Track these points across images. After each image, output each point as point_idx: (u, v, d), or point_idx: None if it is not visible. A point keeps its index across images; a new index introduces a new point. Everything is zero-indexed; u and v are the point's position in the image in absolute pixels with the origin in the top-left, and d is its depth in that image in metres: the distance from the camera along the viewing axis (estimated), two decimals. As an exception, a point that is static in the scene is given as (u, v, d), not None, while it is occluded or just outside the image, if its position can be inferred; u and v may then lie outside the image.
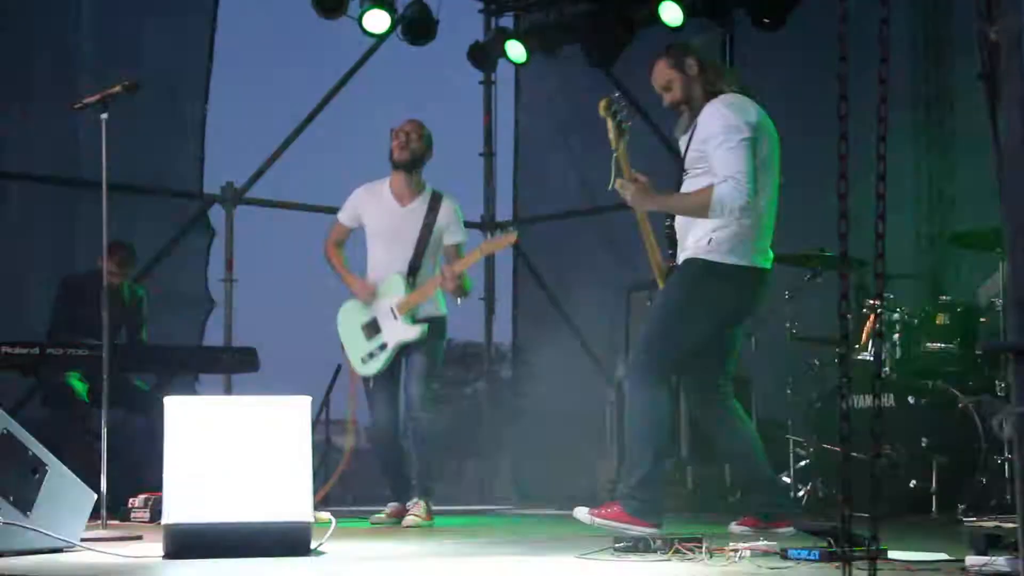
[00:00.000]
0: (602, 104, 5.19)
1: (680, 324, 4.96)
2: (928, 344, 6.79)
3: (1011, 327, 2.08)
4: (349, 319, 6.69)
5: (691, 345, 5.00)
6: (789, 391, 7.31)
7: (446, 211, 6.58)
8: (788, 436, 7.18)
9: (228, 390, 8.75)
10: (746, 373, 7.82)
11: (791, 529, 4.92)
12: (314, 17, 9.67)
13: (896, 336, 6.80)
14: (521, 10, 10.93)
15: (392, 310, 6.50)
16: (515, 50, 10.33)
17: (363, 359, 6.61)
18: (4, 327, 7.66)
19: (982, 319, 6.71)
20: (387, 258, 6.57)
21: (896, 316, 6.81)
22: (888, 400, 6.58)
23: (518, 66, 10.87)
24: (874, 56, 2.72)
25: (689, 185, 4.98)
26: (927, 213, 8.72)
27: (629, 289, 8.95)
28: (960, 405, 6.52)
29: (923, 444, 6.41)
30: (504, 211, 11.46)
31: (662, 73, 5.17)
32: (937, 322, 6.81)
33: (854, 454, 5.62)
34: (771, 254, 5.04)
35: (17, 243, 8.62)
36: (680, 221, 5.06)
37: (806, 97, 8.99)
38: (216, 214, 9.66)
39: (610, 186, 5.09)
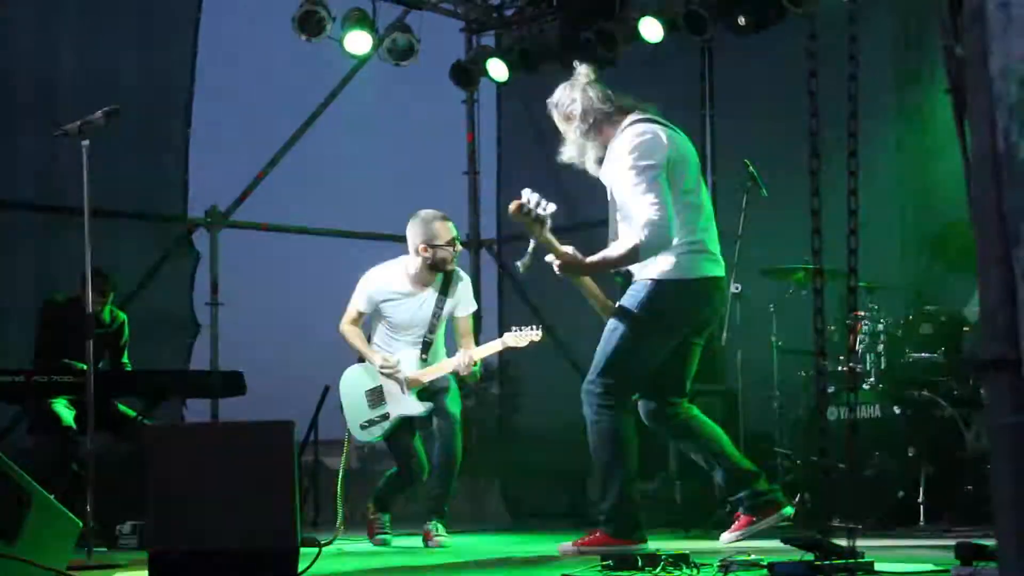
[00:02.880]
0: (512, 210, 5.25)
1: (634, 345, 5.00)
2: (913, 354, 6.80)
3: (984, 339, 2.09)
4: (353, 383, 6.81)
5: (647, 365, 5.03)
6: (775, 404, 7.32)
7: (457, 289, 6.77)
8: (775, 449, 7.19)
9: (215, 414, 8.74)
10: (732, 387, 7.84)
11: (780, 515, 4.96)
12: (296, 39, 9.68)
13: (881, 346, 6.82)
14: (502, 29, 10.97)
15: (401, 383, 6.63)
16: (497, 69, 10.35)
17: (363, 425, 6.74)
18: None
19: (965, 328, 6.73)
20: (398, 334, 6.73)
21: (880, 326, 6.83)
22: (874, 410, 6.59)
23: (500, 84, 10.89)
24: (844, 62, 2.75)
25: (621, 227, 5.05)
26: (912, 223, 8.74)
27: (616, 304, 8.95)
28: (946, 415, 6.53)
29: (910, 454, 6.42)
30: (489, 229, 11.48)
31: (562, 127, 5.27)
32: (921, 332, 6.83)
33: (840, 466, 5.66)
34: (722, 261, 5.09)
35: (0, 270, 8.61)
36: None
37: (784, 111, 9.04)
38: (201, 238, 9.67)
39: (522, 268, 5.18)
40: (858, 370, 6.78)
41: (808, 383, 7.23)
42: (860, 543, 3.36)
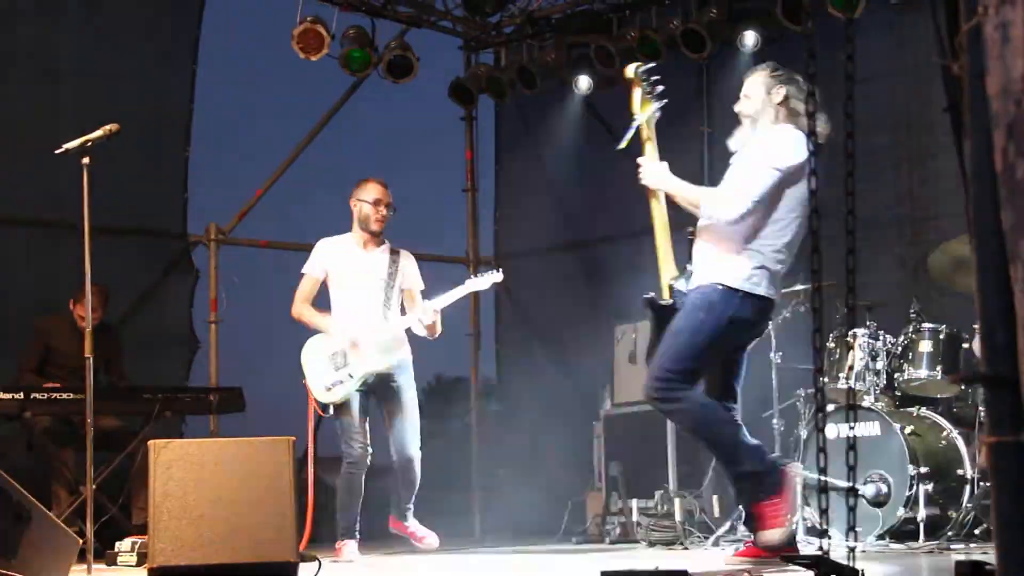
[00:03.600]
0: (629, 68, 5.40)
1: (703, 344, 5.04)
2: (912, 371, 6.80)
3: (982, 356, 2.10)
4: (315, 348, 6.87)
5: (710, 366, 5.09)
6: (775, 421, 7.31)
7: (407, 261, 6.96)
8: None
9: (215, 431, 8.73)
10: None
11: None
12: (295, 56, 9.70)
13: (880, 364, 6.82)
14: (501, 46, 11.00)
15: (370, 340, 6.70)
16: (496, 86, 10.38)
17: (327, 387, 6.77)
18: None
19: (964, 345, 6.73)
20: (354, 296, 6.85)
21: (880, 344, 6.83)
22: (873, 428, 6.58)
23: (499, 102, 10.93)
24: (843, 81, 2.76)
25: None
26: (911, 240, 8.75)
27: (613, 322, 8.97)
28: (946, 433, 6.53)
29: (909, 472, 6.41)
30: (488, 246, 11.49)
31: (753, 83, 5.28)
32: (921, 349, 6.82)
33: (840, 483, 5.64)
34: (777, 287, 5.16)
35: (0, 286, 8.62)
36: (700, 241, 5.19)
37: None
38: (200, 255, 9.68)
39: (620, 146, 5.17)
40: (857, 388, 6.77)
41: (807, 400, 7.23)
42: (860, 561, 3.35)
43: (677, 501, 7.84)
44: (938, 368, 6.75)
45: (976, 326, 6.56)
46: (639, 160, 5.23)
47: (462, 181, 11.55)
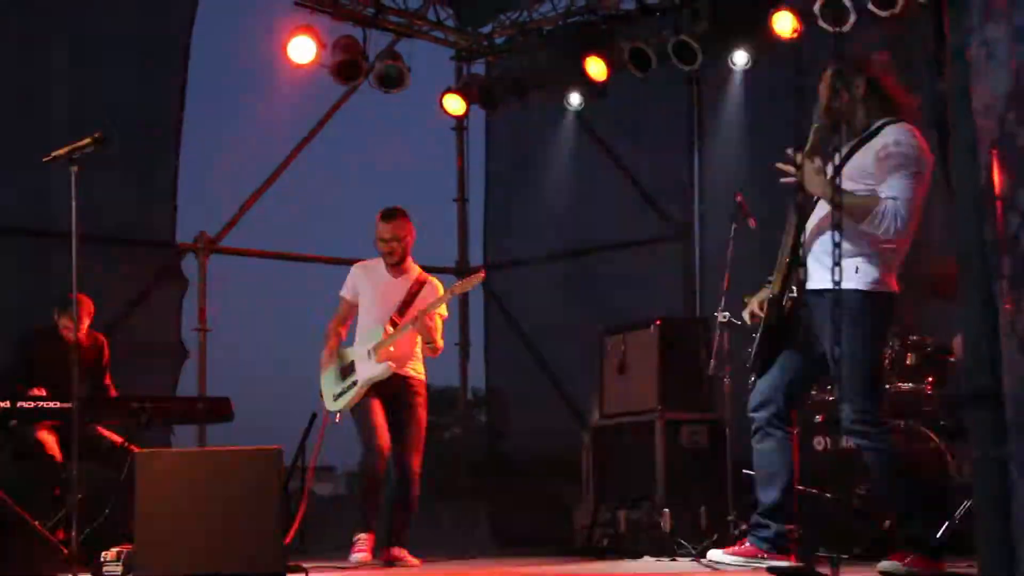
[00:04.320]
0: (828, 73, 4.89)
1: (872, 359, 4.99)
2: (899, 383, 6.81)
3: (968, 372, 2.11)
4: (329, 369, 7.13)
5: (882, 377, 5.08)
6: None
7: (431, 288, 7.09)
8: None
9: (202, 440, 8.72)
10: (720, 416, 7.85)
11: (790, 565, 4.97)
12: (287, 65, 9.71)
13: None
14: (492, 56, 11.02)
15: (369, 352, 6.92)
16: (487, 96, 10.40)
17: (335, 396, 7.03)
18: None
19: (951, 358, 6.75)
20: (373, 317, 7.05)
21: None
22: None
23: (490, 112, 10.95)
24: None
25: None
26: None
27: (602, 332, 8.96)
28: (931, 445, 6.54)
29: (894, 484, 6.40)
30: (478, 256, 11.50)
31: (827, 86, 5.18)
32: (907, 362, 6.83)
33: (827, 495, 5.66)
34: None
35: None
36: (816, 245, 5.01)
37: (771, 142, 9.07)
38: (189, 264, 9.67)
39: (792, 152, 4.99)
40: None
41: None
42: (845, 573, 3.36)
43: (665, 511, 7.84)
44: (925, 380, 6.76)
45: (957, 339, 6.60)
46: (799, 158, 4.78)
47: (452, 191, 11.57)
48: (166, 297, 9.52)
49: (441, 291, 7.07)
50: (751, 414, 5.36)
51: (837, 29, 7.46)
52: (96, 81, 9.13)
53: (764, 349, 5.27)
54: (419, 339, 7.04)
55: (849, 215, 4.86)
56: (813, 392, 6.87)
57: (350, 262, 7.23)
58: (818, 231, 5.00)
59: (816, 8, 8.13)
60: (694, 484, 7.79)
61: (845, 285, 4.86)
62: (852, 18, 8.11)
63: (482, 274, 7.18)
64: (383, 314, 7.01)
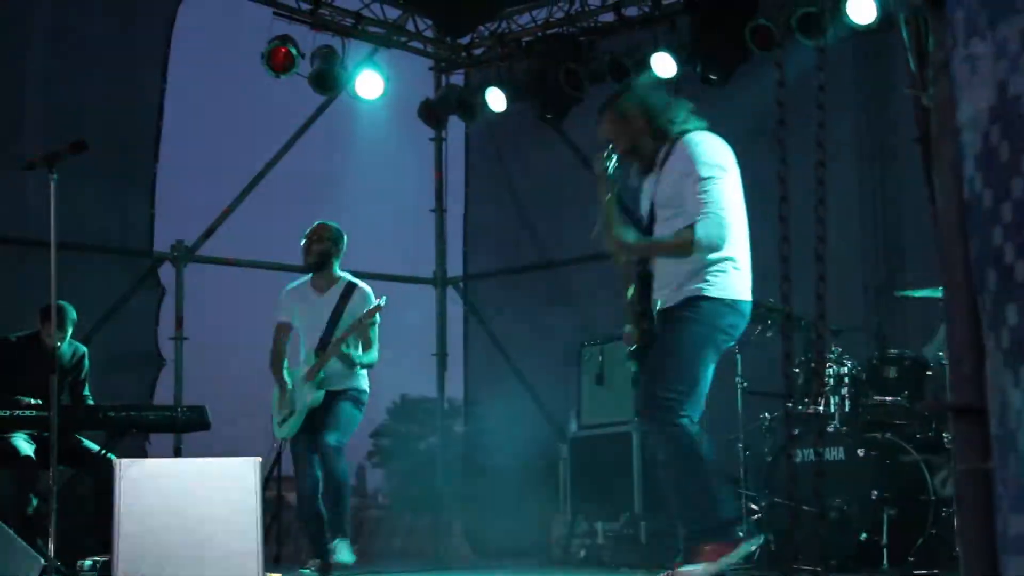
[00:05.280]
0: (598, 161, 5.08)
1: (692, 360, 4.91)
2: (876, 397, 6.84)
3: (951, 385, 2.12)
4: (275, 392, 7.20)
5: (701, 380, 4.96)
6: (740, 445, 7.34)
7: (357, 298, 7.09)
8: (740, 491, 7.20)
9: (178, 449, 8.68)
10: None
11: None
12: (265, 75, 9.69)
13: (844, 389, 6.85)
14: (471, 67, 11.03)
15: (302, 378, 7.02)
16: (466, 107, 10.41)
17: (278, 423, 7.11)
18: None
19: (928, 372, 6.78)
20: (308, 343, 7.13)
21: (844, 369, 6.87)
22: (837, 453, 6.61)
23: (469, 123, 10.95)
24: (812, 108, 2.79)
25: (663, 227, 5.01)
26: (873, 265, 8.82)
27: (580, 344, 8.98)
28: (909, 458, 6.57)
29: (873, 497, 6.44)
30: (456, 267, 11.50)
31: (608, 127, 5.17)
32: (885, 375, 6.86)
33: (804, 508, 5.67)
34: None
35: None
36: (662, 263, 5.06)
37: (748, 154, 9.10)
38: (166, 272, 9.63)
39: (592, 234, 5.09)
40: (822, 412, 6.81)
41: (773, 424, 7.26)
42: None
43: (643, 524, 7.85)
44: (903, 394, 6.79)
45: (931, 348, 6.65)
46: (604, 232, 5.03)
47: (431, 202, 11.56)
48: (143, 305, 9.48)
49: (367, 295, 7.08)
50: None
51: (817, 42, 7.50)
52: (74, 88, 9.10)
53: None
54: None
55: (674, 256, 4.94)
56: (790, 405, 6.91)
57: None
58: (659, 263, 5.06)
59: (794, 21, 8.19)
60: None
61: (690, 294, 4.91)
62: (830, 31, 8.18)
63: (382, 304, 7.01)
64: (313, 338, 7.08)
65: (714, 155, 4.95)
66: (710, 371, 5.00)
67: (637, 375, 5.12)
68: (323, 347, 6.98)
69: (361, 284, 7.19)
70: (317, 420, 6.93)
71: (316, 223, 7.21)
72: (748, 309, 5.04)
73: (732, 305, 4.96)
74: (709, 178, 4.88)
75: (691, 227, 4.84)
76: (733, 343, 5.18)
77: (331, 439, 6.83)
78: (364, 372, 7.11)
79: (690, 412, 4.85)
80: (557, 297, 10.57)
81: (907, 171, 8.58)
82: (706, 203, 4.85)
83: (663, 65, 9.18)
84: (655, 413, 4.87)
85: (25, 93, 8.97)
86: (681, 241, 4.90)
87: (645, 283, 5.13)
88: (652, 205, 5.09)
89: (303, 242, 7.17)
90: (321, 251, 7.13)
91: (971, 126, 2.04)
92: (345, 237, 7.23)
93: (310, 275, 7.24)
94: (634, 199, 5.29)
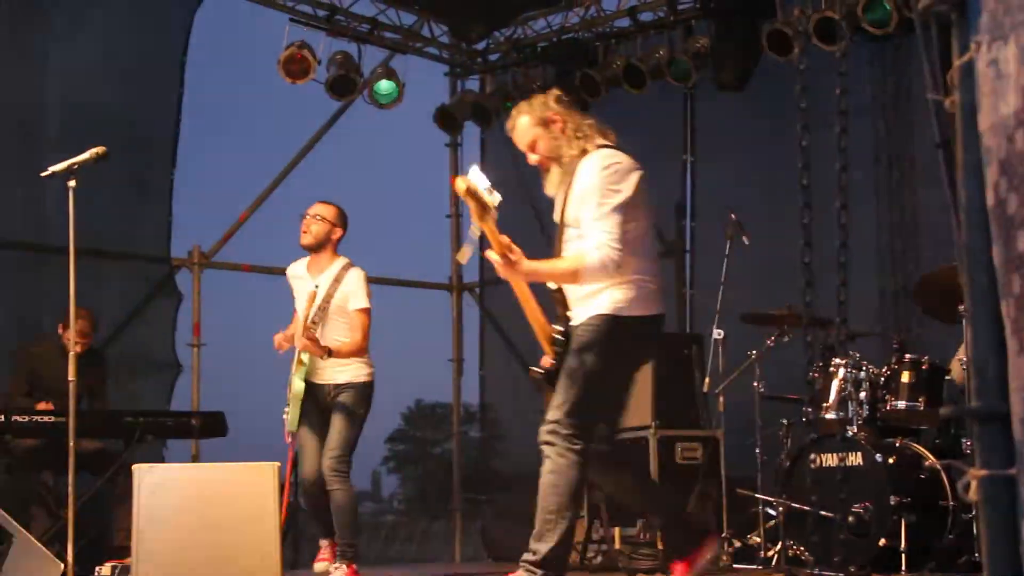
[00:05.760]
0: (463, 190, 4.93)
1: (600, 386, 4.86)
2: (894, 402, 6.82)
3: (973, 392, 2.11)
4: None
5: (610, 405, 4.94)
6: (757, 450, 7.32)
7: (351, 279, 6.68)
8: (757, 495, 7.19)
9: (196, 455, 8.70)
10: (714, 433, 7.86)
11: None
12: (281, 81, 9.73)
13: (863, 394, 6.83)
14: (487, 73, 11.05)
15: (293, 366, 6.58)
16: (481, 113, 10.42)
17: (284, 412, 6.61)
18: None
19: (947, 377, 6.76)
20: (298, 322, 6.68)
21: (862, 374, 6.85)
22: (856, 458, 6.59)
23: (484, 128, 10.97)
24: (831, 114, 2.78)
25: (568, 246, 4.96)
26: (891, 269, 8.81)
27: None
28: (927, 463, 6.55)
29: (891, 502, 6.42)
30: (472, 272, 11.50)
31: (525, 132, 5.11)
32: (903, 380, 6.84)
33: (822, 512, 5.67)
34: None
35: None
36: (570, 292, 5.00)
37: (765, 159, 9.11)
38: (183, 278, 9.66)
39: (462, 259, 5.04)
40: (839, 417, 6.79)
41: (790, 429, 7.24)
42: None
43: (659, 529, 7.83)
44: (920, 399, 6.77)
45: (958, 357, 6.63)
46: (488, 256, 4.97)
47: (446, 207, 11.58)
48: (161, 311, 9.51)
49: (360, 276, 6.69)
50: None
51: (835, 48, 7.49)
52: (92, 95, 9.13)
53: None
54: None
55: (563, 282, 4.92)
56: (808, 410, 6.89)
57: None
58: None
59: (810, 26, 8.18)
60: (688, 501, 7.78)
61: (596, 312, 4.85)
62: (847, 37, 8.16)
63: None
64: (303, 316, 6.59)
65: (612, 178, 4.84)
66: (622, 390, 4.97)
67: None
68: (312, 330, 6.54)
69: (355, 268, 6.76)
70: (325, 433, 6.56)
71: (315, 202, 6.85)
72: (657, 323, 4.97)
73: (639, 321, 4.88)
74: (605, 204, 4.79)
75: (581, 254, 4.79)
76: (648, 355, 5.11)
77: (326, 463, 6.38)
78: (357, 361, 6.63)
79: (587, 440, 4.82)
80: (573, 302, 10.56)
81: (925, 175, 8.56)
82: (600, 231, 4.77)
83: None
84: (554, 438, 4.82)
85: (44, 99, 9.01)
86: (570, 268, 4.85)
87: (562, 304, 5.06)
88: (562, 217, 5.06)
89: (307, 211, 6.77)
90: (318, 234, 6.74)
91: (995, 131, 2.03)
92: (347, 217, 6.87)
93: (305, 258, 6.85)
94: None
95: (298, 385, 6.53)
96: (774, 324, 7.28)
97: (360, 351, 6.62)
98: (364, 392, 6.64)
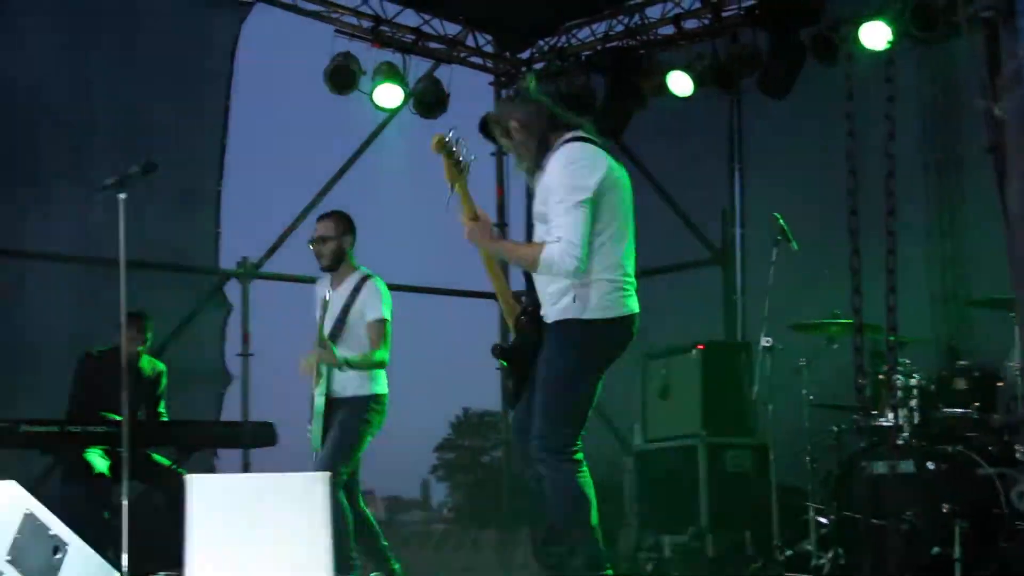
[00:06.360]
0: (435, 141, 4.97)
1: (577, 392, 4.83)
2: (946, 409, 6.75)
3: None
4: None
5: (588, 409, 4.90)
6: (808, 458, 7.27)
7: (367, 290, 6.62)
8: (808, 504, 7.14)
9: (246, 465, 8.76)
10: (763, 441, 7.82)
11: None
12: (327, 92, 9.79)
13: (914, 401, 6.77)
14: (532, 82, 11.05)
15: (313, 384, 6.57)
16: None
17: (309, 430, 6.56)
18: (23, 405, 7.71)
19: (999, 383, 6.68)
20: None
21: (913, 381, 6.79)
22: (908, 466, 6.54)
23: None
24: (878, 119, 2.77)
25: (536, 236, 4.92)
26: (941, 275, 8.73)
27: (645, 356, 8.95)
28: (981, 471, 6.48)
29: (944, 510, 6.36)
30: (518, 281, 11.48)
31: (517, 117, 5.09)
32: (955, 387, 6.77)
33: (875, 521, 5.62)
34: (636, 296, 4.95)
35: (36, 322, 8.68)
36: (538, 282, 4.95)
37: (813, 165, 9.06)
38: (232, 289, 9.73)
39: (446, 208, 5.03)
40: (890, 424, 6.74)
41: (840, 437, 7.18)
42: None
43: (709, 537, 7.81)
44: (972, 405, 6.70)
45: (1010, 363, 6.56)
46: (461, 219, 4.98)
47: (493, 216, 11.56)
48: (210, 322, 9.59)
49: (378, 287, 6.61)
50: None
51: (885, 54, 7.44)
52: (141, 107, 9.23)
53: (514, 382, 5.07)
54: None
55: (520, 266, 4.93)
56: (859, 417, 6.84)
57: (389, 286, 7.11)
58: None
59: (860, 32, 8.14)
60: (738, 509, 7.75)
61: (563, 316, 4.79)
62: (892, 39, 8.11)
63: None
64: (325, 330, 6.56)
65: (580, 175, 4.77)
66: (596, 392, 4.92)
67: (508, 372, 5.06)
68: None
69: (375, 278, 6.67)
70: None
71: (317, 221, 6.83)
72: (630, 323, 4.90)
73: (607, 323, 4.83)
74: (569, 202, 4.72)
75: (542, 247, 4.74)
76: (616, 356, 5.02)
77: (325, 469, 6.10)
78: (377, 374, 6.57)
79: (580, 444, 4.84)
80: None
81: (975, 180, 8.49)
82: (562, 227, 4.70)
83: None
84: (544, 455, 4.82)
85: (93, 112, 9.11)
86: (529, 256, 4.82)
87: (529, 282, 5.02)
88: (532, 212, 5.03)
89: (314, 236, 6.75)
90: (331, 253, 6.70)
91: (1045, 136, 2.02)
92: (351, 220, 6.79)
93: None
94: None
95: (319, 402, 6.48)
96: (823, 332, 7.23)
97: (378, 362, 6.54)
98: (359, 405, 6.50)
